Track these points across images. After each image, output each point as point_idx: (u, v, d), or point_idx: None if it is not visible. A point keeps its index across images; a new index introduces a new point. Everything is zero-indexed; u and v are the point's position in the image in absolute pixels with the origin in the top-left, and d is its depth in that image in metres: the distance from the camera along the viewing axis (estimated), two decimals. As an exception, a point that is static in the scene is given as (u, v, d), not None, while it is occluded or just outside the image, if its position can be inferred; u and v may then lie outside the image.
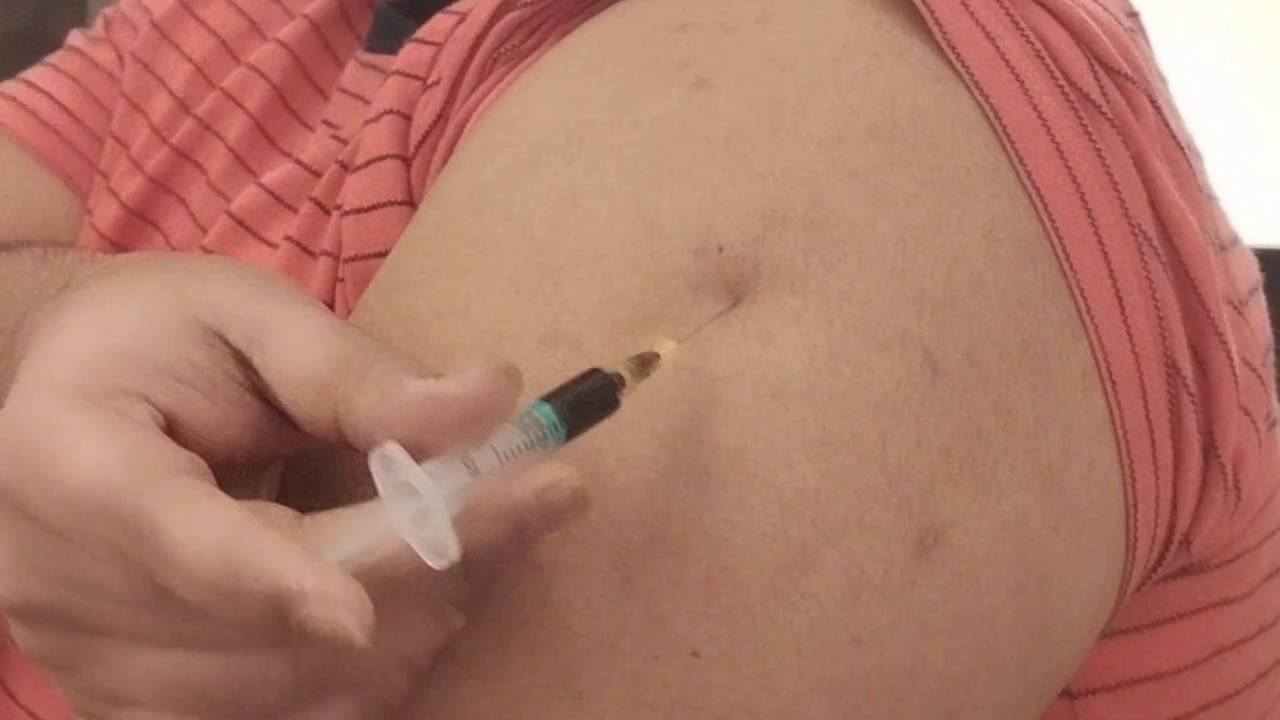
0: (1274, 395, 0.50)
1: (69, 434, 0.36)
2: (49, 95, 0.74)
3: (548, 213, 0.43)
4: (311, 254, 0.55)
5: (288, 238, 0.57)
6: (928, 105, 0.44)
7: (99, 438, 0.36)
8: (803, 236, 0.42)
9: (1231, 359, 0.46)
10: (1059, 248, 0.43)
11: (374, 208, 0.52)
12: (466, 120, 0.51)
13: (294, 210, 0.59)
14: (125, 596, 0.37)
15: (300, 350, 0.39)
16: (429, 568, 0.35)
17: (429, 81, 0.52)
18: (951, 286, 0.42)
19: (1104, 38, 0.46)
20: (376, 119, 0.53)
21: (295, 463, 0.44)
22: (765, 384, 0.41)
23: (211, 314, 0.39)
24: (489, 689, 0.41)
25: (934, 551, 0.41)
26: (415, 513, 0.35)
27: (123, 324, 0.39)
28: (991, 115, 0.44)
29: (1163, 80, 0.51)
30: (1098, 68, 0.45)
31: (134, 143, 0.71)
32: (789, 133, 0.43)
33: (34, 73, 0.76)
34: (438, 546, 0.35)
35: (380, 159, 0.52)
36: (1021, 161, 0.44)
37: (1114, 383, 0.44)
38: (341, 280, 0.52)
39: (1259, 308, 0.50)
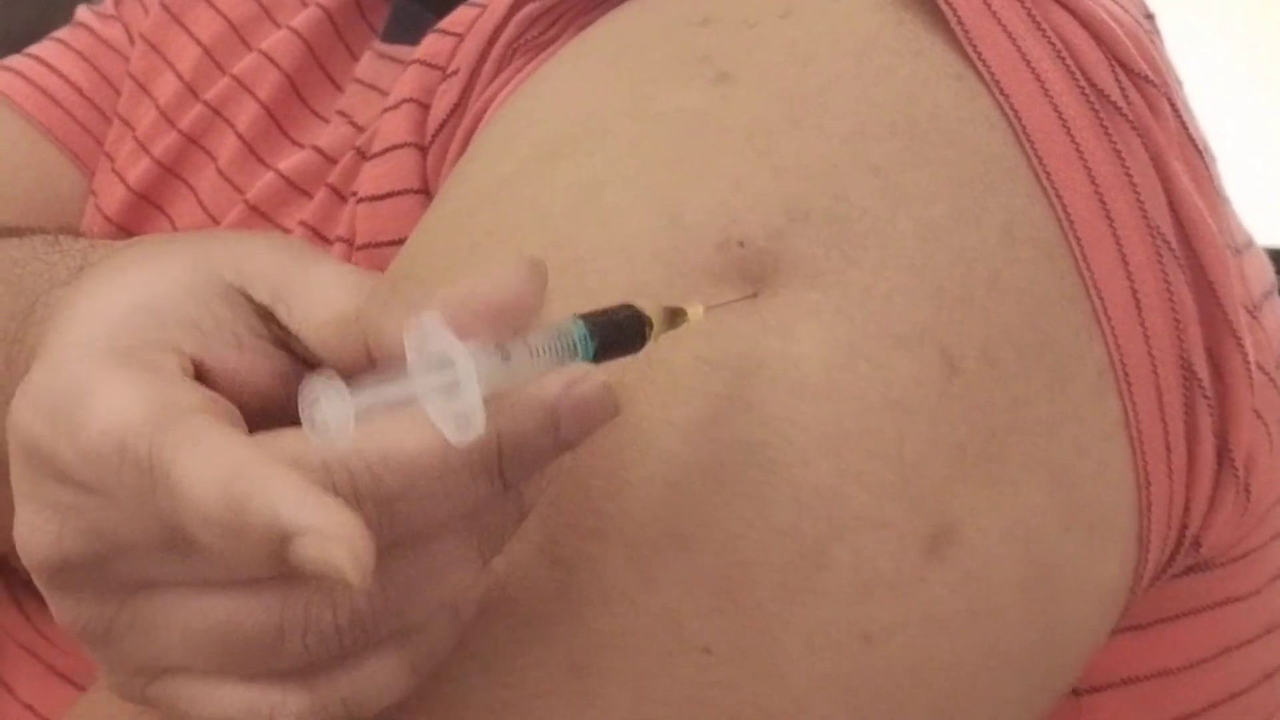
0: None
1: (96, 387, 0.36)
2: (57, 71, 0.73)
3: (568, 204, 0.43)
4: (326, 240, 0.55)
5: (302, 223, 0.56)
6: (948, 103, 0.44)
7: (123, 388, 0.36)
8: (824, 230, 0.42)
9: (1248, 362, 0.46)
10: (1077, 248, 0.43)
11: (389, 195, 0.52)
12: (484, 110, 0.51)
13: (309, 196, 0.59)
14: (155, 545, 0.36)
15: (323, 293, 0.39)
16: (451, 450, 0.34)
17: (448, 71, 0.52)
18: (969, 284, 0.42)
19: (1125, 39, 0.46)
20: (395, 107, 0.53)
21: None
22: (784, 379, 0.41)
23: (234, 273, 0.39)
24: (499, 681, 0.41)
25: (946, 549, 0.42)
26: (444, 384, 0.34)
27: (148, 285, 0.39)
28: (1011, 115, 0.44)
29: (1179, 82, 0.51)
30: (1118, 69, 0.45)
31: (140, 124, 0.71)
32: (811, 126, 0.43)
33: (42, 48, 0.75)
34: (462, 421, 0.34)
35: (397, 147, 0.52)
36: (1040, 161, 0.44)
37: (1129, 384, 0.44)
38: None
39: (1273, 311, 0.50)
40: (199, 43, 0.70)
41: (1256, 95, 1.62)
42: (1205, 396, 0.45)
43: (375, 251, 0.51)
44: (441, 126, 0.51)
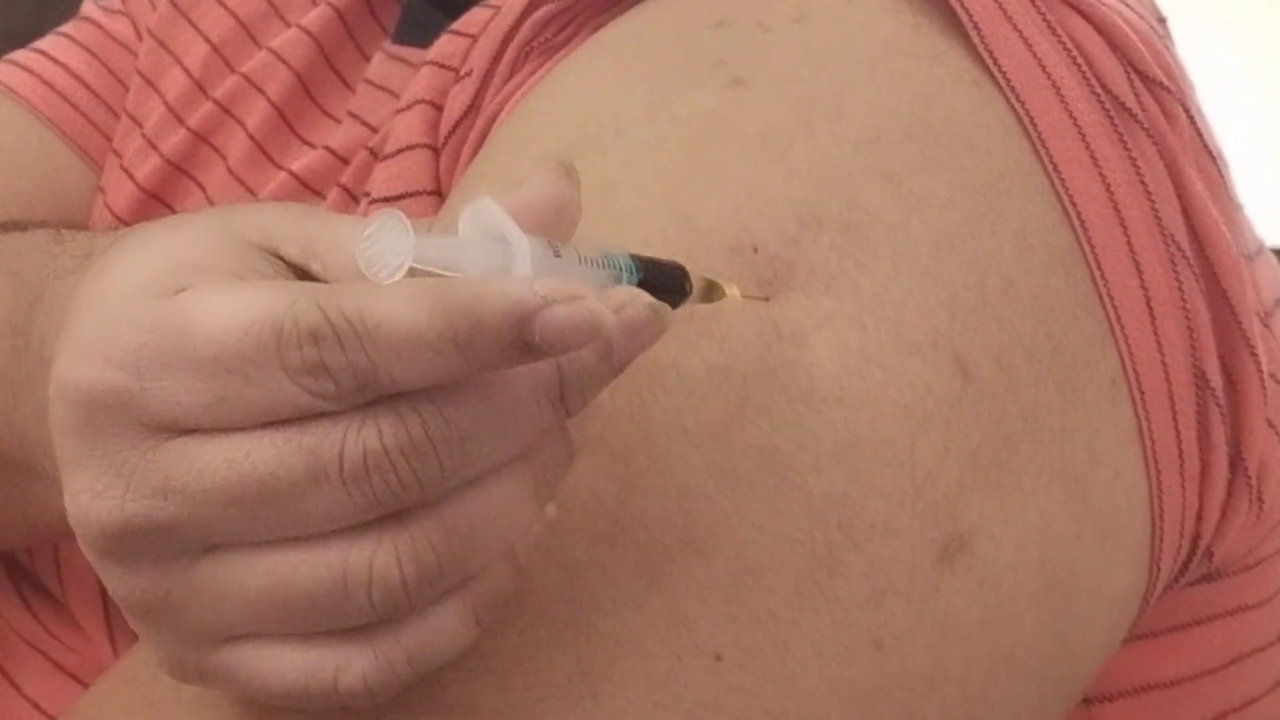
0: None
1: (190, 304, 0.35)
2: (64, 66, 0.73)
3: (582, 205, 0.43)
4: None
5: None
6: (963, 109, 0.44)
7: (223, 291, 0.35)
8: (837, 237, 0.42)
9: (1261, 370, 0.45)
10: (1091, 255, 0.43)
11: (402, 196, 0.52)
12: (498, 112, 0.50)
13: (322, 196, 0.59)
14: (239, 488, 0.35)
15: (352, 244, 0.37)
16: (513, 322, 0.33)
17: (462, 73, 0.52)
18: (983, 291, 0.42)
19: (1139, 45, 0.46)
20: (408, 108, 0.53)
21: None
22: (796, 386, 0.41)
23: (262, 237, 0.38)
24: (508, 684, 0.41)
25: (958, 557, 0.41)
26: (497, 264, 0.34)
27: (184, 245, 0.37)
28: (1027, 121, 0.44)
29: (1192, 86, 0.51)
30: (1133, 75, 0.45)
31: (148, 121, 0.71)
32: (825, 132, 0.43)
33: (48, 42, 0.75)
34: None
35: (410, 148, 0.52)
36: (1055, 168, 0.43)
37: (1142, 392, 0.44)
38: None
39: None
40: (207, 39, 0.70)
41: (1263, 96, 1.62)
42: (1218, 405, 0.45)
43: None
44: (455, 128, 0.51)
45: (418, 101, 0.53)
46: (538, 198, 0.36)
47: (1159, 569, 0.46)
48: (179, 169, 0.68)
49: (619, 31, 0.49)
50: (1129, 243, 0.44)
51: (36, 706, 0.58)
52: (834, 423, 0.41)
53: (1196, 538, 0.46)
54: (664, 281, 0.38)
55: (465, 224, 0.35)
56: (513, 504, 0.36)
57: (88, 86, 0.73)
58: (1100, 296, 0.43)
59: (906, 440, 0.41)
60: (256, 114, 0.66)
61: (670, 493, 0.40)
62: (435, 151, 0.52)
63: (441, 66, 0.53)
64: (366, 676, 0.36)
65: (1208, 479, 0.45)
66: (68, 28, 0.76)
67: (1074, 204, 0.43)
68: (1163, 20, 0.53)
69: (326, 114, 0.66)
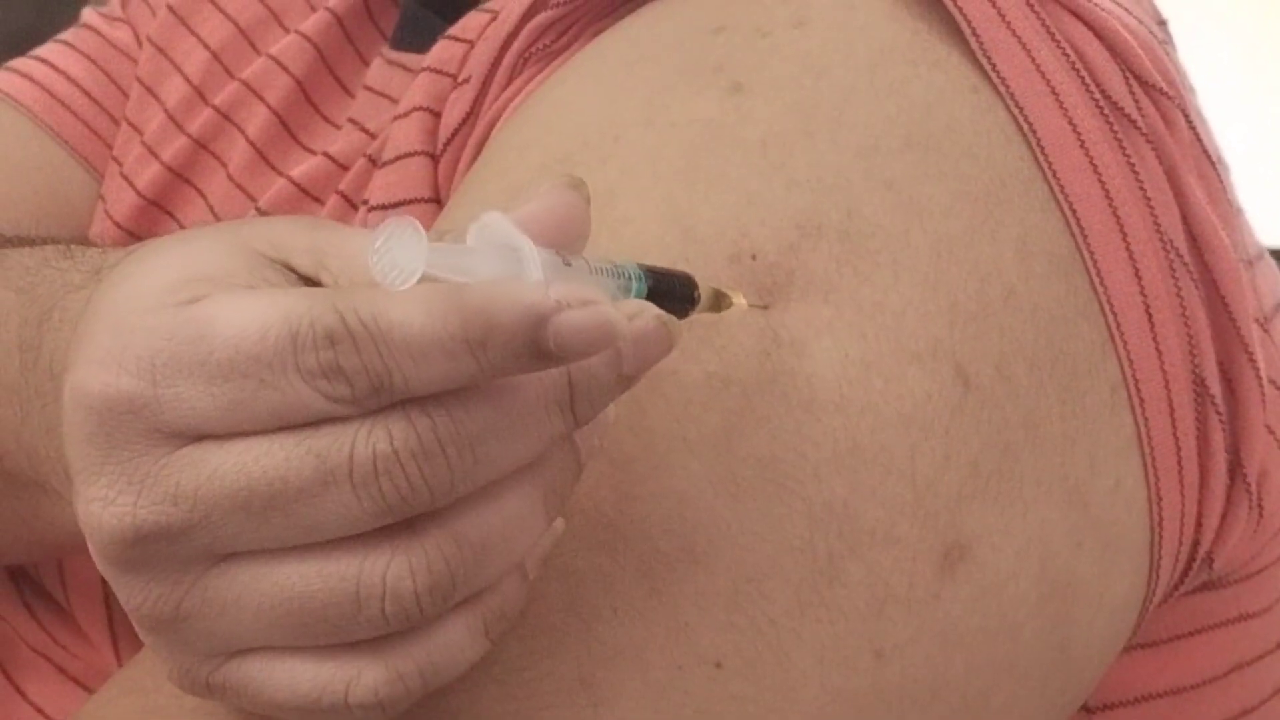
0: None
1: (205, 311, 0.35)
2: (65, 74, 0.73)
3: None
4: None
5: None
6: (963, 116, 0.44)
7: (239, 299, 0.35)
8: (837, 246, 0.42)
9: (1260, 378, 0.45)
10: (1090, 262, 0.43)
11: (400, 204, 0.52)
12: (496, 119, 0.50)
13: (321, 203, 0.59)
14: (249, 492, 0.35)
15: (363, 255, 0.37)
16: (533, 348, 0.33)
17: (459, 79, 0.52)
18: (984, 299, 0.42)
19: (1139, 51, 0.45)
20: (406, 115, 0.53)
21: None
22: (797, 394, 0.41)
23: (273, 248, 0.38)
24: (510, 693, 0.41)
25: (959, 566, 0.41)
26: (509, 271, 0.34)
27: (195, 257, 0.37)
28: (1026, 128, 0.44)
29: (1192, 91, 0.51)
30: (1132, 80, 0.45)
31: (147, 128, 0.70)
32: (825, 140, 0.43)
33: (49, 50, 0.75)
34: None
35: (408, 155, 0.52)
36: (1055, 175, 0.43)
37: (1142, 400, 0.44)
38: None
39: None
40: (207, 46, 0.70)
41: (1263, 98, 1.62)
42: (1218, 412, 0.45)
43: None
44: (453, 135, 0.51)
45: (416, 108, 0.53)
46: (546, 211, 0.36)
47: (1158, 577, 0.46)
48: (179, 176, 0.68)
49: (618, 37, 0.48)
50: (1128, 250, 0.44)
51: (41, 712, 0.58)
52: (834, 431, 0.40)
53: (1196, 545, 0.46)
54: (672, 291, 0.38)
55: (474, 238, 0.35)
56: (523, 516, 0.36)
57: (88, 94, 0.73)
58: (1100, 304, 0.43)
59: (907, 449, 0.41)
60: (257, 121, 0.66)
61: (670, 501, 0.40)
62: (434, 158, 0.52)
63: (439, 73, 0.53)
64: (378, 690, 0.36)
65: (1207, 486, 0.45)
66: (68, 35, 0.76)
67: (1074, 211, 0.43)
68: (1163, 23, 0.52)
69: (327, 120, 0.66)
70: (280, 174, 0.64)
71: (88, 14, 0.77)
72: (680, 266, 0.42)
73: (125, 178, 0.69)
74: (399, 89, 0.59)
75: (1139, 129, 0.45)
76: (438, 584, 0.35)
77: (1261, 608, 0.51)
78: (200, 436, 0.35)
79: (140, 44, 0.74)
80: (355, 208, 0.55)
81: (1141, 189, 0.44)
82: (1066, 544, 0.43)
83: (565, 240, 0.36)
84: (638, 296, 0.37)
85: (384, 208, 0.52)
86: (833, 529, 0.40)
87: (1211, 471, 0.45)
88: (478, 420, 0.34)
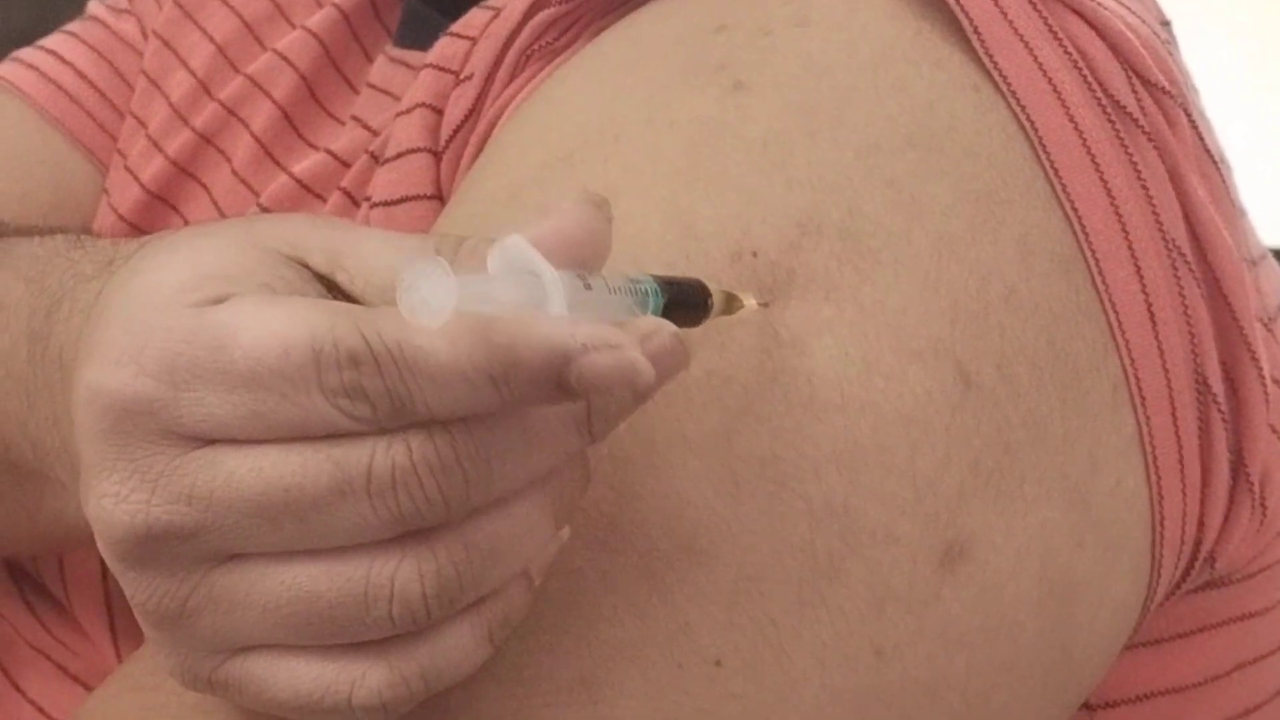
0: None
1: (227, 317, 0.35)
2: (71, 65, 0.73)
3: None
4: None
5: None
6: (965, 115, 0.44)
7: (261, 308, 0.35)
8: (838, 245, 0.42)
9: (1264, 377, 0.45)
10: (1093, 262, 0.43)
11: (402, 200, 0.52)
12: (498, 116, 0.50)
13: (323, 200, 0.59)
14: (265, 497, 0.35)
15: (378, 257, 0.38)
16: (551, 355, 0.33)
17: (462, 76, 0.52)
18: (985, 298, 0.42)
19: (1141, 50, 0.45)
20: (408, 111, 0.53)
21: None
22: (797, 393, 0.41)
23: (288, 246, 0.38)
24: (509, 692, 0.41)
25: (959, 565, 0.41)
26: (529, 299, 0.34)
27: (213, 253, 0.37)
28: (1028, 126, 0.44)
29: (1195, 91, 0.51)
30: (1135, 80, 0.45)
31: (152, 122, 0.70)
32: (826, 139, 0.43)
33: (55, 41, 0.75)
34: None
35: (410, 152, 0.52)
36: (1057, 174, 0.43)
37: (1144, 399, 0.44)
38: None
39: None
40: (212, 40, 0.70)
41: (1265, 97, 1.62)
42: (1220, 412, 0.45)
43: None
44: (455, 132, 0.51)
45: (418, 105, 0.53)
46: (568, 229, 0.36)
47: (1160, 576, 0.45)
48: (184, 170, 0.68)
49: (620, 35, 0.48)
50: (1130, 249, 0.44)
51: (40, 710, 0.58)
52: (834, 430, 0.40)
53: (1198, 545, 0.46)
54: (687, 299, 0.38)
55: (494, 262, 0.35)
56: (532, 525, 0.36)
57: (94, 86, 0.73)
58: (1102, 303, 0.43)
59: (907, 448, 0.41)
60: (262, 116, 0.66)
61: (670, 500, 0.40)
62: (436, 156, 0.52)
63: (441, 70, 0.53)
64: (381, 692, 0.36)
65: (1209, 486, 0.45)
66: (74, 27, 0.76)
67: (1075, 210, 0.43)
68: (1166, 23, 0.52)
69: (331, 116, 0.66)
70: (283, 170, 0.64)
71: (94, 6, 0.77)
72: (681, 264, 0.42)
73: (129, 171, 0.69)
74: (401, 86, 0.59)
75: (1141, 128, 0.44)
76: (445, 588, 0.35)
77: (1264, 607, 0.51)
78: (214, 440, 0.35)
79: (146, 37, 0.74)
80: (358, 204, 0.55)
81: (1144, 188, 0.44)
82: (1067, 543, 0.43)
83: (586, 260, 0.36)
84: (655, 310, 0.37)
85: (386, 204, 0.52)
86: (833, 528, 0.40)
87: (1214, 471, 0.45)
88: (496, 438, 0.35)
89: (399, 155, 0.52)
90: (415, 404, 0.34)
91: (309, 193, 0.60)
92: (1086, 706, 0.49)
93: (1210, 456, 0.45)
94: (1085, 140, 0.44)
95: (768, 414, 0.40)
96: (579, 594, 0.40)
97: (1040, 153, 0.43)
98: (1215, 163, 0.47)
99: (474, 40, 0.53)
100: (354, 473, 0.34)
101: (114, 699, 0.44)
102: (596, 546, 0.40)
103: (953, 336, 0.41)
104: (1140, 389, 0.44)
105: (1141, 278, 0.44)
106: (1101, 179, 0.44)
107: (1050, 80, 0.44)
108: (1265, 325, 0.48)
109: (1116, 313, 0.43)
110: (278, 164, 0.65)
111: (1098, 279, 0.43)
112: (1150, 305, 0.44)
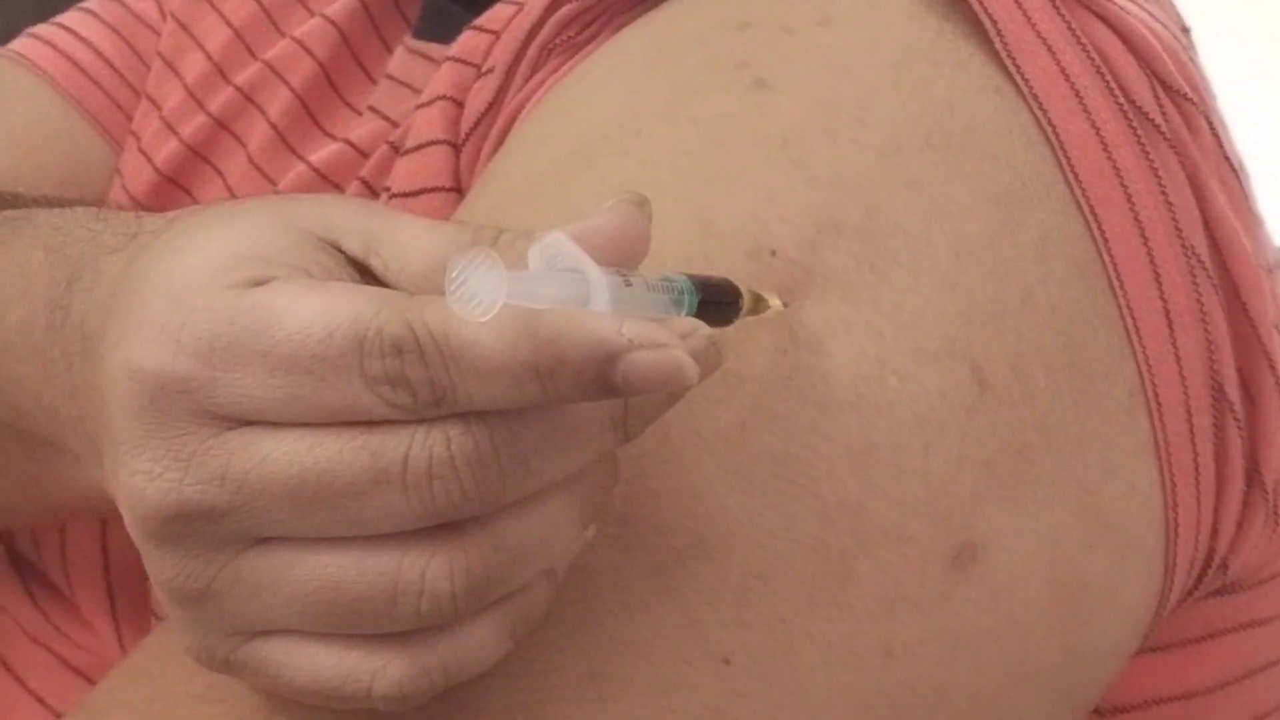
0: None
1: (270, 299, 0.35)
2: (87, 42, 0.73)
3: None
4: None
5: None
6: (986, 116, 0.43)
7: (305, 292, 0.35)
8: (856, 244, 0.42)
9: None
10: (1111, 266, 0.43)
11: (421, 192, 0.52)
12: (519, 110, 0.50)
13: (341, 189, 0.59)
14: (298, 481, 0.35)
15: (415, 244, 0.38)
16: (596, 353, 0.33)
17: (483, 69, 0.52)
18: (1002, 301, 0.42)
19: (1163, 55, 0.45)
20: (429, 103, 0.53)
21: None
22: (812, 392, 0.41)
23: (323, 229, 0.38)
24: (518, 685, 0.41)
25: (970, 566, 0.41)
26: (573, 295, 0.34)
27: (247, 234, 0.37)
28: (1049, 129, 0.43)
29: (1214, 97, 0.51)
30: (1156, 85, 0.45)
31: (166, 104, 0.70)
32: (847, 138, 0.43)
33: (71, 17, 0.75)
34: None
35: (430, 144, 0.52)
36: (1077, 178, 0.43)
37: (1159, 404, 0.44)
38: None
39: None
40: (229, 24, 0.70)
41: (1277, 103, 1.62)
42: (1235, 418, 0.45)
43: None
44: (476, 124, 0.51)
45: (439, 97, 0.53)
46: (608, 227, 0.36)
47: (1173, 582, 0.45)
48: (198, 155, 0.68)
49: (641, 31, 0.48)
50: (1149, 254, 0.43)
51: (42, 702, 0.58)
52: (848, 429, 0.40)
53: (1211, 551, 0.46)
54: (720, 299, 0.38)
55: (535, 258, 0.35)
56: (561, 524, 0.37)
57: (111, 65, 0.73)
58: (1119, 308, 0.43)
59: (921, 448, 0.41)
60: (279, 103, 0.66)
61: (682, 496, 0.40)
62: (455, 148, 0.52)
63: (463, 63, 0.53)
64: (403, 684, 0.36)
65: (1223, 492, 0.45)
66: (93, 4, 0.76)
67: (1095, 214, 0.43)
68: (1186, 30, 0.52)
69: (348, 105, 0.66)
70: (300, 158, 0.64)
71: (109, -18, 0.77)
72: (699, 261, 0.42)
73: (143, 152, 0.69)
74: (421, 79, 0.59)
75: (1162, 133, 0.44)
76: (474, 585, 0.35)
77: (1275, 614, 0.51)
78: (250, 422, 0.35)
79: (164, 17, 0.74)
80: (376, 195, 0.55)
81: (1163, 193, 0.44)
82: (1079, 546, 0.43)
83: (624, 259, 0.36)
84: (690, 310, 0.37)
85: (405, 195, 0.52)
86: (845, 527, 0.40)
87: (1228, 477, 0.45)
88: (534, 433, 0.35)
89: (419, 147, 0.52)
90: (457, 395, 0.34)
91: (327, 182, 0.60)
92: (1096, 711, 0.49)
93: (1225, 463, 0.45)
94: (1106, 145, 0.44)
95: (782, 412, 0.40)
96: (589, 589, 0.40)
97: (1060, 156, 0.43)
98: (1235, 170, 0.47)
99: (496, 34, 0.53)
100: (390, 462, 0.34)
101: (119, 689, 0.44)
102: (607, 542, 0.40)
103: (969, 338, 0.41)
104: (1156, 394, 0.44)
105: (1160, 283, 0.44)
106: (1121, 184, 0.43)
107: (1072, 84, 0.44)
108: None
109: (1134, 317, 0.43)
110: (294, 152, 0.65)
111: (1115, 283, 0.43)
112: (1168, 311, 0.44)
